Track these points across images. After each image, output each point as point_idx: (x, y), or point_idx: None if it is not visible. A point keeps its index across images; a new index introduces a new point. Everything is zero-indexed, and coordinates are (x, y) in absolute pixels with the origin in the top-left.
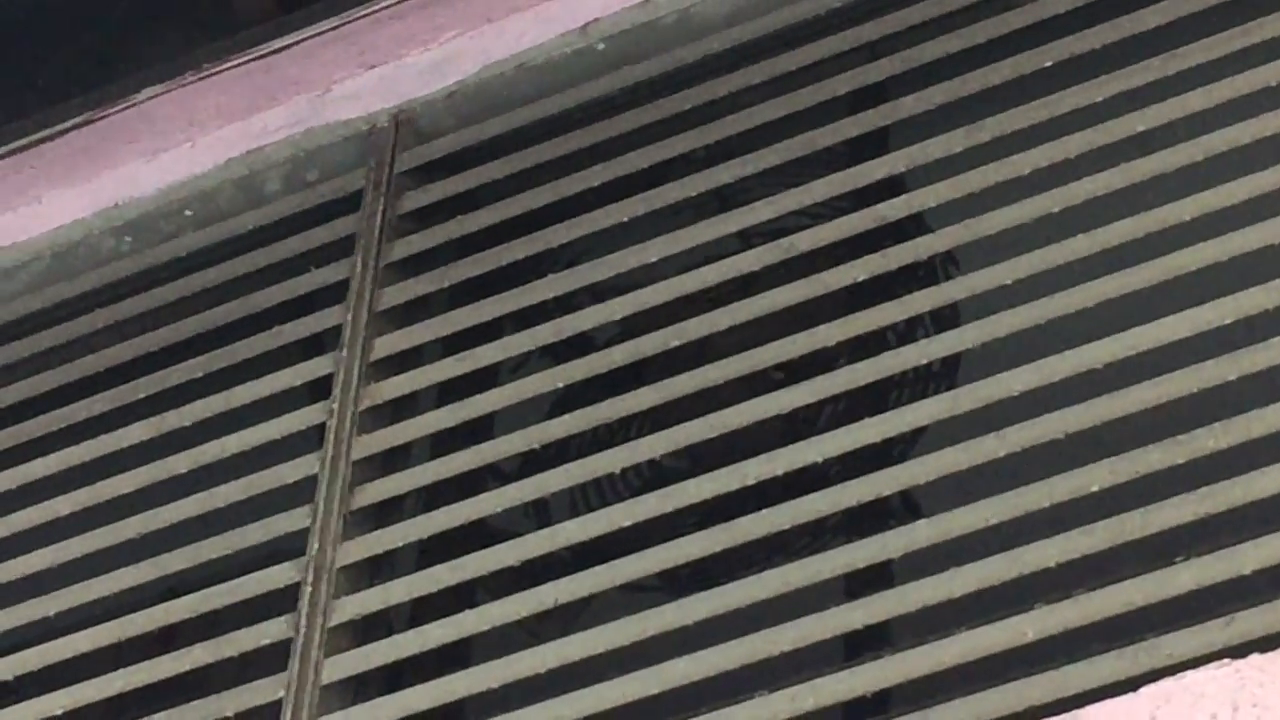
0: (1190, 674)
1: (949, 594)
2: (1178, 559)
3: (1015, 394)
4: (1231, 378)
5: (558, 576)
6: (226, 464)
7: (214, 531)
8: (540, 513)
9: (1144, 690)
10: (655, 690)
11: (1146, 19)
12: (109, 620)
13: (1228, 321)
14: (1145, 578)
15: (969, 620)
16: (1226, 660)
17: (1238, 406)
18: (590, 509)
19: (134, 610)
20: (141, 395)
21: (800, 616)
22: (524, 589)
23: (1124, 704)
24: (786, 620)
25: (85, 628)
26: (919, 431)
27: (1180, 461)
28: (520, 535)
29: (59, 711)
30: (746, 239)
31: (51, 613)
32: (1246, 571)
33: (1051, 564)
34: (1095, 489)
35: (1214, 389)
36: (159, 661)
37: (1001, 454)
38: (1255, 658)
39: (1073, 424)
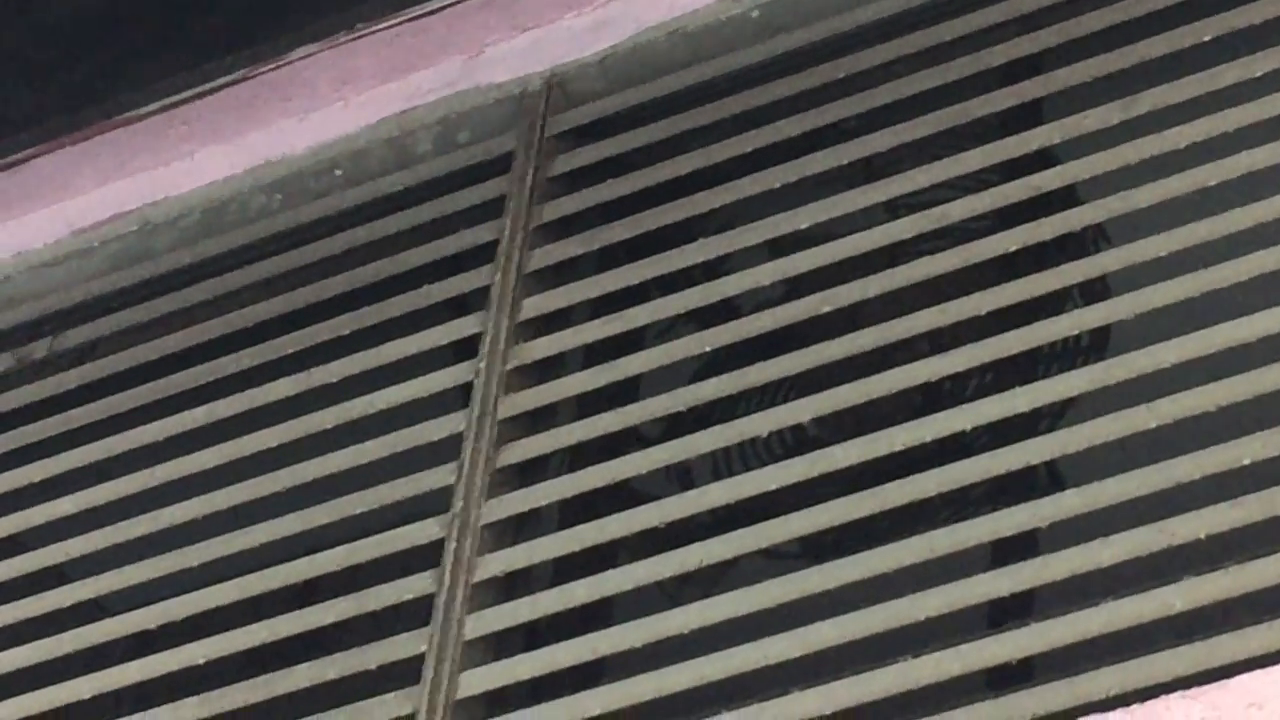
0: None
1: (1096, 563)
2: None
3: (1167, 366)
4: None
5: (701, 539)
6: (373, 420)
7: (359, 487)
8: (683, 476)
9: None
10: (797, 653)
11: None
12: (253, 573)
13: None
14: None
15: (1116, 591)
16: None
17: None
18: (734, 474)
19: (278, 564)
20: (289, 351)
21: (945, 584)
22: (667, 551)
23: (1274, 674)
24: (931, 587)
25: (229, 580)
26: (1068, 403)
27: None
28: (663, 498)
29: (200, 661)
30: (894, 209)
31: (195, 564)
32: None
33: (1201, 535)
34: (1247, 462)
35: None
36: (302, 613)
37: (1152, 425)
38: None
39: (1225, 397)
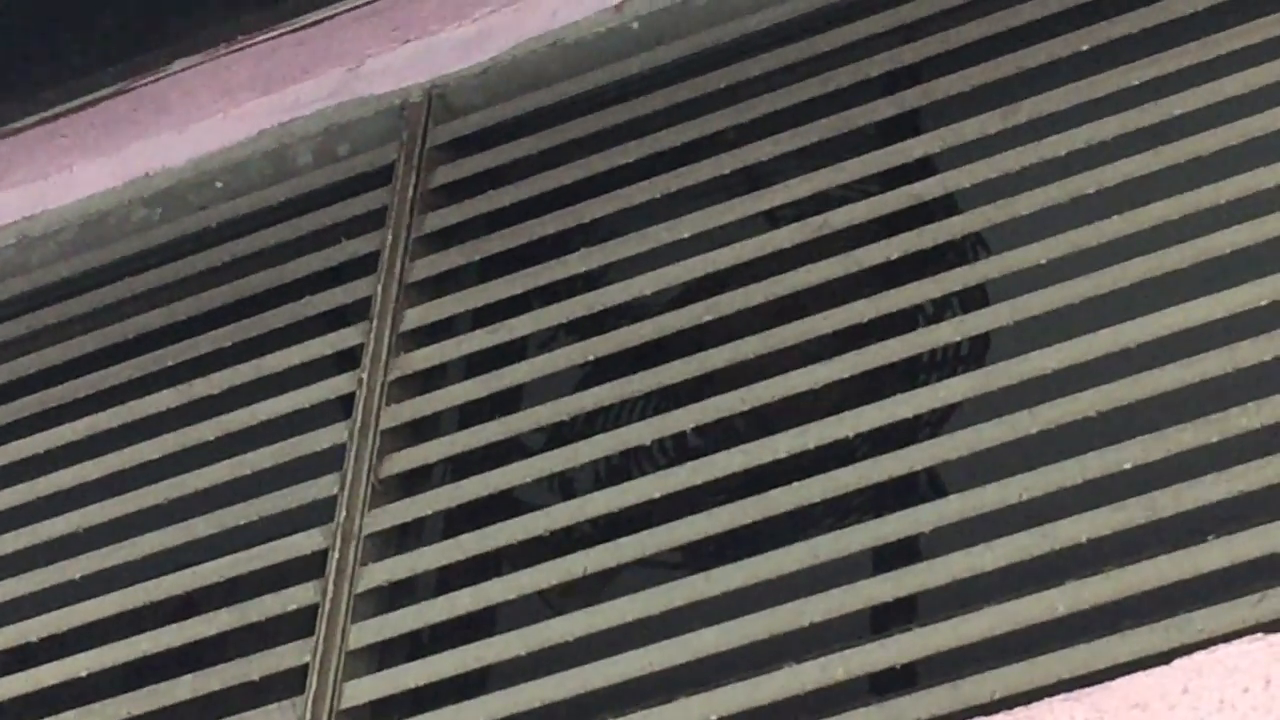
0: (1223, 647)
1: (979, 568)
2: (1210, 536)
3: (1047, 372)
4: (1266, 358)
5: (583, 549)
6: (255, 432)
7: (242, 498)
8: (565, 486)
9: (1177, 663)
10: (682, 660)
11: (1182, 6)
12: (136, 585)
13: (1262, 304)
14: (1177, 554)
15: (999, 595)
16: (1259, 634)
17: (1270, 387)
18: (617, 483)
19: (161, 576)
20: (170, 363)
21: (829, 589)
22: (550, 560)
23: (1156, 675)
24: (814, 594)
25: (111, 592)
26: (949, 409)
27: (1213, 440)
28: (546, 507)
29: (83, 673)
30: (775, 219)
31: (78, 576)
32: (1279, 549)
33: (1083, 539)
34: (1128, 466)
35: (1247, 369)
36: (185, 625)
37: (1033, 430)
38: None
39: (1105, 402)
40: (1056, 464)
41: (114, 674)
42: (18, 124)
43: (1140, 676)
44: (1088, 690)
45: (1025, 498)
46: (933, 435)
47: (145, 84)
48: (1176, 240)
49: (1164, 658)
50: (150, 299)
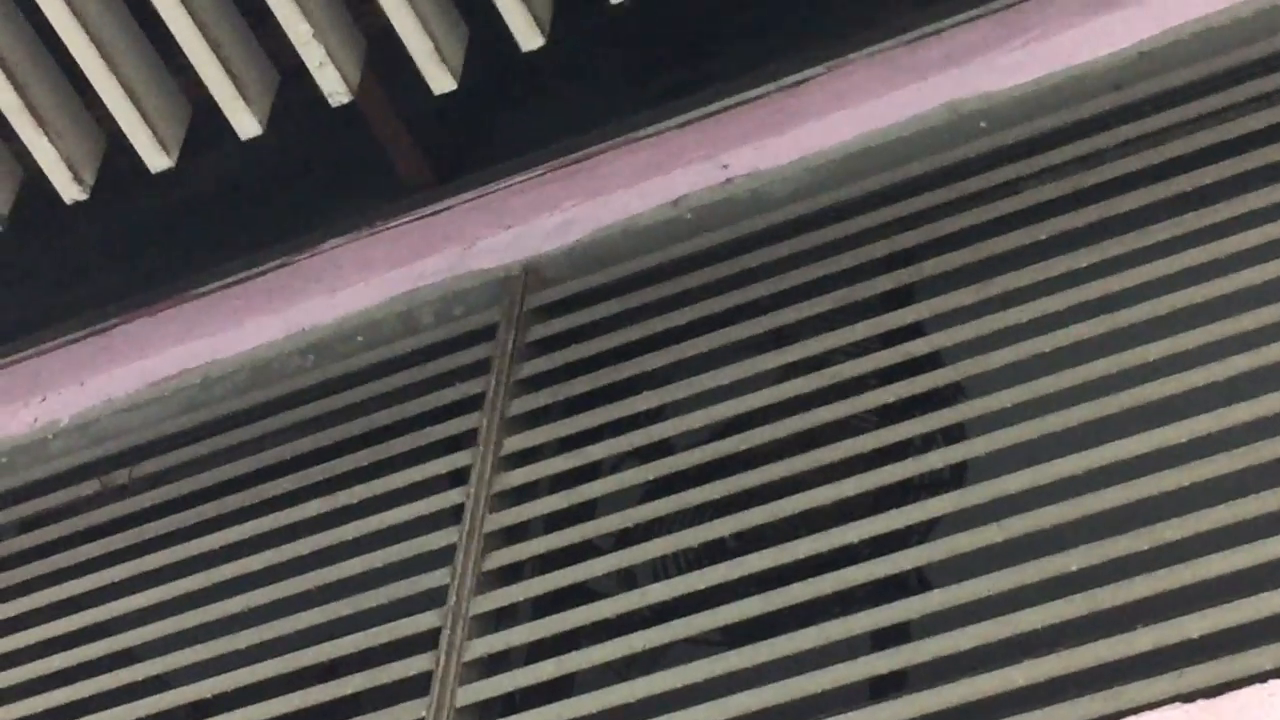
0: (1149, 713)
1: (956, 648)
2: (1140, 625)
3: (1013, 492)
4: (1186, 483)
5: (643, 629)
6: (385, 534)
7: (373, 585)
8: (630, 579)
9: None
10: (722, 718)
11: (1121, 205)
12: (288, 654)
13: (1184, 440)
14: (1113, 639)
15: (972, 669)
16: (1178, 704)
17: (1192, 506)
18: (670, 576)
19: (308, 646)
20: (319, 479)
21: (836, 664)
22: (617, 637)
23: None
24: (824, 667)
25: (270, 659)
26: (934, 521)
27: (1144, 548)
28: (614, 595)
29: None
30: (796, 370)
31: (243, 646)
32: (1194, 636)
33: (1039, 626)
34: (1074, 568)
35: (1174, 491)
36: (327, 686)
37: (1000, 539)
38: (1201, 701)
39: (1058, 517)
40: (1018, 565)
41: None
42: (203, 289)
43: None
44: None
45: (994, 592)
46: (921, 542)
47: (303, 259)
48: (1115, 390)
49: None
50: (304, 428)
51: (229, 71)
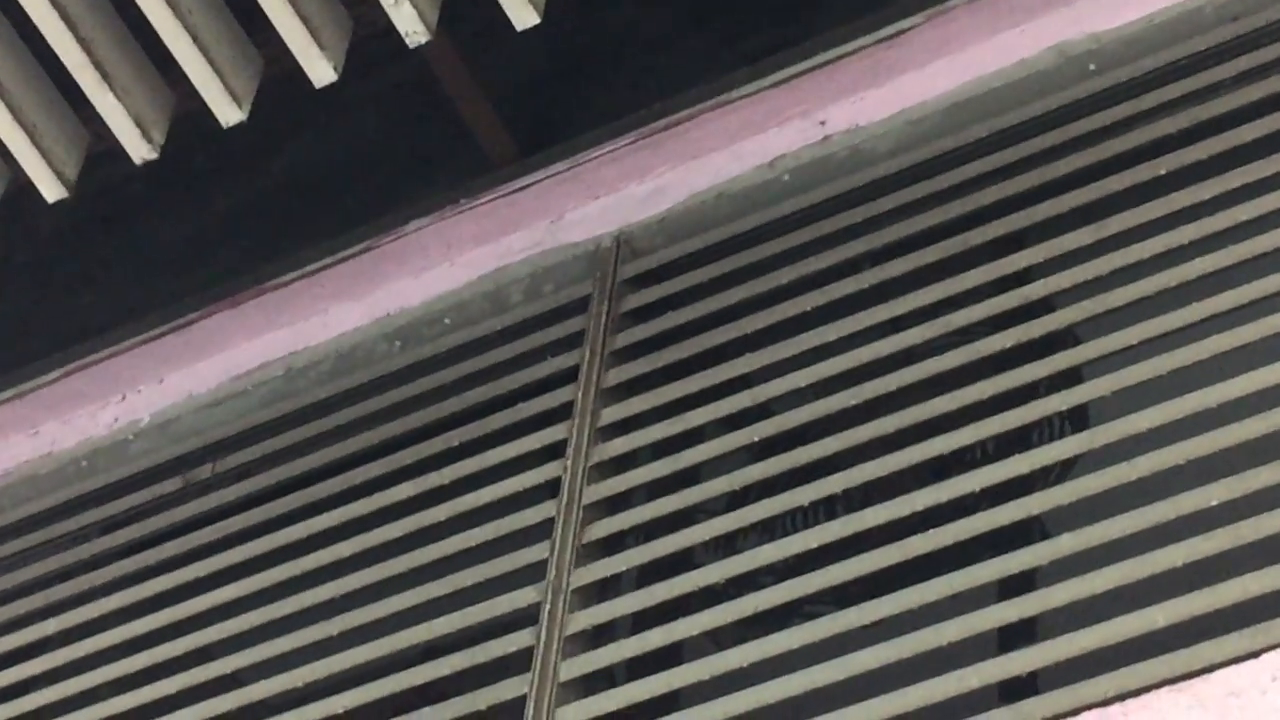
0: None
1: (1090, 591)
2: None
3: (1141, 431)
4: None
5: (755, 591)
6: (481, 511)
7: (470, 564)
8: (734, 544)
9: (1264, 656)
10: (842, 677)
11: (1244, 134)
12: (388, 635)
13: None
14: (1259, 572)
15: (1108, 613)
16: None
17: None
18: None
19: (407, 628)
20: (409, 461)
21: (962, 614)
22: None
23: (1248, 668)
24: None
25: (365, 643)
26: (1063, 465)
27: None
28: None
29: (340, 710)
30: (899, 325)
31: (335, 633)
32: None
33: (1179, 564)
34: (1214, 503)
35: None
36: (426, 666)
37: (1133, 478)
38: None
39: (1192, 452)
40: (1154, 503)
41: (368, 710)
42: (285, 278)
43: (1236, 667)
44: (1189, 681)
45: (1129, 532)
46: (1047, 486)
47: (386, 242)
48: (1242, 322)
49: (1253, 654)
50: (392, 413)
51: (301, 16)
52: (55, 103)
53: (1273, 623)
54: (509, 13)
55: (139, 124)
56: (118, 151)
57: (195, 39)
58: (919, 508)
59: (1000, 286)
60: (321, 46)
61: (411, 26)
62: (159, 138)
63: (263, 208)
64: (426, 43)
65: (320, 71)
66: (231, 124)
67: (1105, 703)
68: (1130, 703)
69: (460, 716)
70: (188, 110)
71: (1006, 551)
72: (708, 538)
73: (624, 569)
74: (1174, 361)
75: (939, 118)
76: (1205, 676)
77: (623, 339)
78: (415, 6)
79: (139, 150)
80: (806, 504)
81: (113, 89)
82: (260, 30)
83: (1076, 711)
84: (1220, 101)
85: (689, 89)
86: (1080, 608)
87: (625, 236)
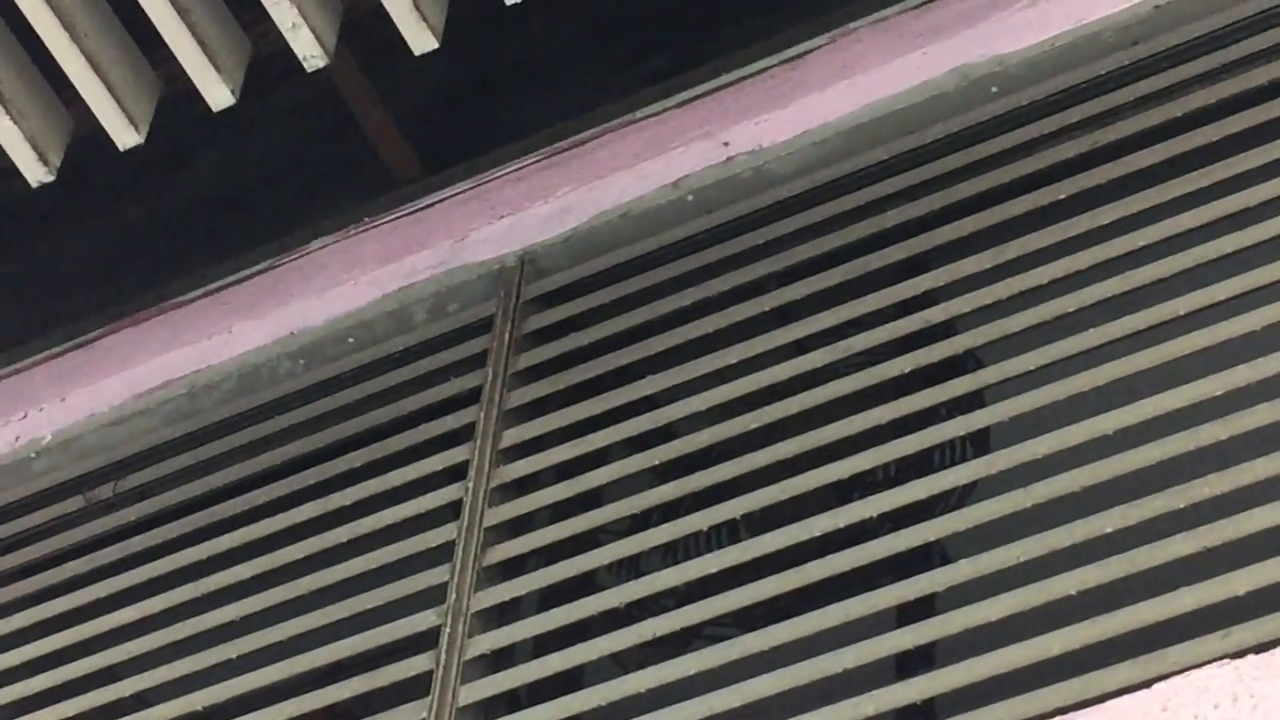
0: (1194, 671)
1: (986, 618)
2: (1181, 585)
3: (1039, 457)
4: (1223, 437)
5: (654, 616)
6: (381, 533)
7: (371, 586)
8: (633, 567)
9: (1156, 686)
10: (740, 703)
11: (1140, 160)
12: (287, 658)
13: (1218, 393)
14: (1153, 600)
15: (1004, 641)
16: (1227, 660)
17: (1230, 460)
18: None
19: (306, 651)
20: (311, 482)
21: (859, 642)
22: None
23: (1139, 698)
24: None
25: (264, 667)
26: (959, 491)
27: (1181, 506)
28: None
29: None
30: (804, 347)
31: (234, 656)
32: (1240, 593)
33: (1073, 592)
34: (1109, 530)
35: (1210, 446)
36: (326, 690)
37: (1028, 505)
38: (1251, 657)
39: (1089, 479)
40: (1049, 530)
41: None
42: (187, 296)
43: (1126, 698)
44: (1082, 712)
45: (1024, 559)
46: (946, 513)
47: (290, 260)
48: (1143, 346)
49: (1145, 684)
50: (295, 432)
51: (198, 39)
52: None
53: (1165, 651)
54: (407, 38)
55: (35, 147)
56: (17, 169)
57: (91, 62)
58: (818, 532)
59: (903, 309)
60: (219, 69)
61: (309, 51)
62: (55, 160)
63: (166, 225)
64: (324, 66)
65: (218, 95)
66: (129, 147)
67: None
68: None
69: None
70: (89, 128)
71: (906, 577)
72: (609, 561)
73: (525, 592)
74: (1072, 387)
75: (842, 139)
76: (1098, 706)
77: (526, 359)
78: (313, 31)
79: (35, 173)
80: (708, 528)
81: (8, 111)
82: (158, 49)
83: None
84: (1120, 126)
85: (594, 109)
86: (978, 634)
87: (530, 256)
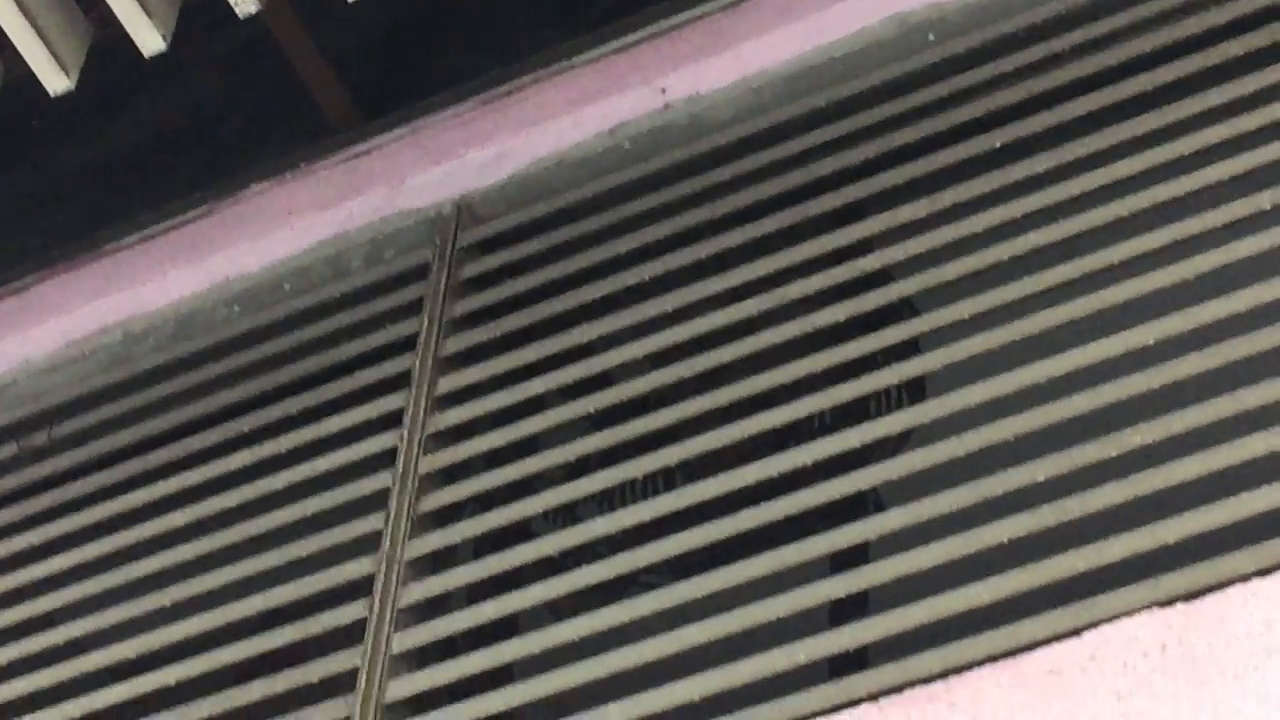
0: (1124, 620)
1: (919, 567)
2: (1112, 534)
3: (973, 405)
4: (1155, 386)
5: (589, 564)
6: (316, 481)
7: (304, 534)
8: (574, 517)
9: (1085, 635)
10: (672, 652)
11: (1078, 108)
12: (217, 608)
13: (1151, 342)
14: (1084, 549)
15: (937, 589)
16: (1155, 609)
17: (1162, 409)
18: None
19: (239, 599)
20: (245, 430)
21: (792, 589)
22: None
23: (1069, 645)
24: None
25: (197, 614)
26: (894, 439)
27: (1112, 455)
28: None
29: (172, 682)
30: (739, 295)
31: (168, 603)
32: (1170, 541)
33: (1005, 540)
34: (1041, 479)
35: (1143, 395)
36: (258, 639)
37: (961, 453)
38: (1180, 605)
39: (1022, 428)
40: (981, 479)
41: (200, 682)
42: (121, 242)
43: (1055, 645)
44: (1012, 659)
45: (956, 508)
46: (880, 459)
47: (226, 206)
48: (1079, 294)
49: (1075, 632)
50: (230, 380)
51: None
52: None
53: (1094, 600)
54: None
55: None
56: None
57: (21, 7)
58: (752, 480)
59: (838, 258)
60: (150, 15)
61: None
62: None
63: (101, 171)
64: (259, 11)
65: (149, 40)
66: (59, 93)
67: (930, 679)
68: (953, 680)
69: (293, 688)
70: (20, 73)
71: (840, 525)
72: (544, 509)
73: (459, 540)
74: (1007, 336)
75: (779, 86)
76: (1027, 654)
77: (461, 307)
78: None
79: None
80: (643, 475)
81: None
82: None
83: (901, 688)
84: (1056, 74)
85: (531, 55)
86: (910, 583)
87: (466, 203)
